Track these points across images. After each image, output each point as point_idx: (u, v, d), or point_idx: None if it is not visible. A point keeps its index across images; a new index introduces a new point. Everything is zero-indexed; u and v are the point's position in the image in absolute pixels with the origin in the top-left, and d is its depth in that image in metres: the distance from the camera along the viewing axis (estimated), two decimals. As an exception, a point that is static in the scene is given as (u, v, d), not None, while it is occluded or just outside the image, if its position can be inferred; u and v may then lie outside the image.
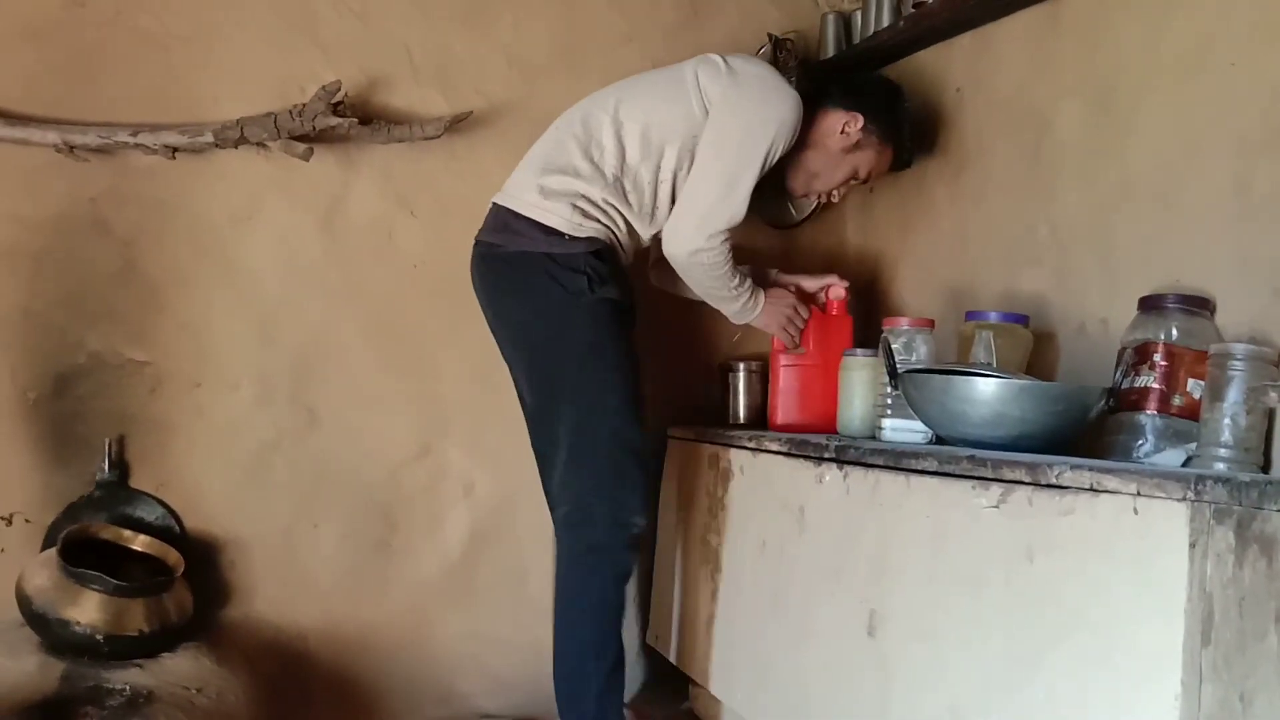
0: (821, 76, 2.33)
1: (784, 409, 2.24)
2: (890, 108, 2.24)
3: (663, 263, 2.16)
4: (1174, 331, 1.71)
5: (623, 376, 2.01)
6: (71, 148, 2.12)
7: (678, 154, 2.04)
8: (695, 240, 2.03)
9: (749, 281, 2.17)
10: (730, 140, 2.03)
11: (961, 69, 2.38)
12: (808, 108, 2.12)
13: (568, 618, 2.03)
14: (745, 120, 2.03)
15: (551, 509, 2.11)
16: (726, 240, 2.04)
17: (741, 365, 2.49)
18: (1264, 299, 1.67)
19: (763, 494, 2.06)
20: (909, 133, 2.27)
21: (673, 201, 2.07)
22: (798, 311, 2.22)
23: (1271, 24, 1.67)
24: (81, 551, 2.04)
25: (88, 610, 1.96)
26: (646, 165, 2.04)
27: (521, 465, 2.23)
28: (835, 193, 2.29)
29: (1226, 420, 1.59)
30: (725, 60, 2.08)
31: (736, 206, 2.03)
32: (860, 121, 2.18)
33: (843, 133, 2.18)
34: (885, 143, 2.22)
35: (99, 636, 1.95)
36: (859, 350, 2.12)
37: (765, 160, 2.04)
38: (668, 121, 2.04)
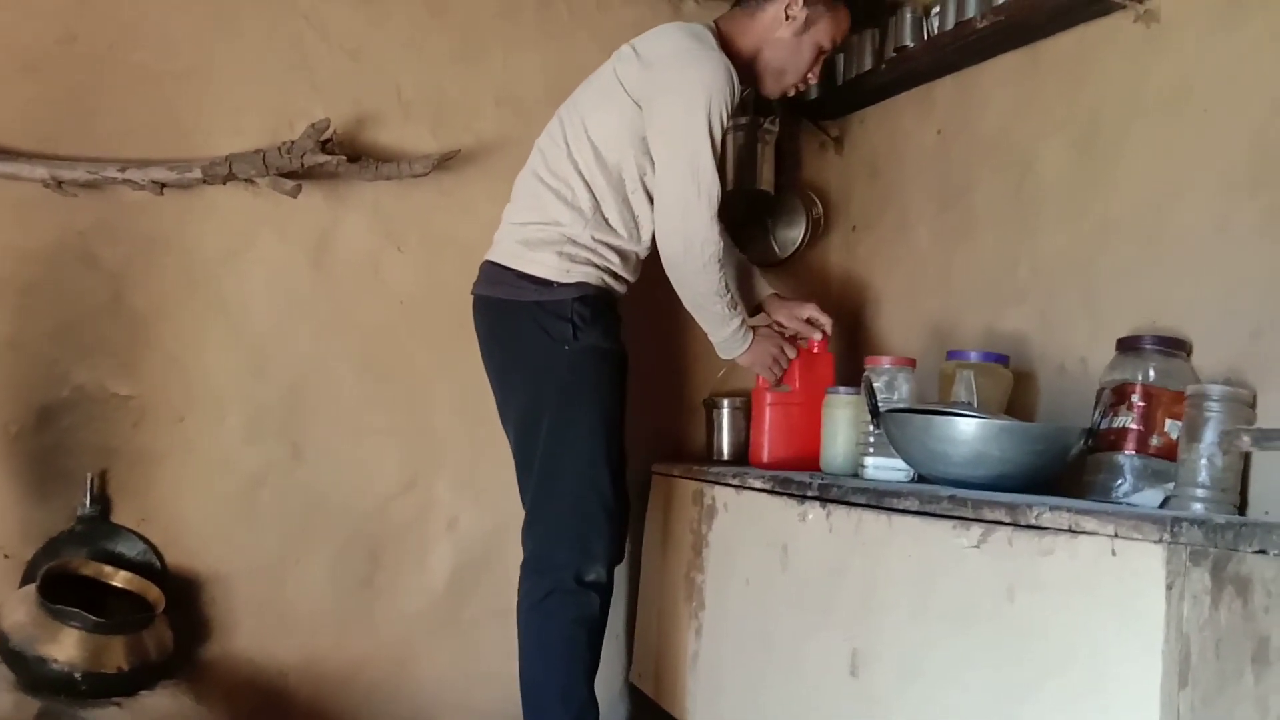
0: None
1: (768, 446, 2.24)
2: None
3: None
4: (1151, 372, 1.73)
5: (598, 425, 2.00)
6: (60, 183, 2.13)
7: (635, 159, 2.00)
8: (684, 227, 1.95)
9: (741, 307, 2.11)
10: (673, 125, 1.95)
11: (943, 111, 2.41)
12: (728, 25, 2.08)
13: (530, 664, 2.03)
14: (674, 99, 1.95)
15: None
16: (715, 221, 1.96)
17: (725, 401, 2.50)
18: (1241, 341, 1.69)
19: (746, 531, 2.07)
20: None
21: (645, 212, 2.05)
22: (784, 352, 2.19)
23: (1247, 69, 1.71)
24: (61, 587, 2.03)
25: (66, 647, 1.94)
26: (612, 186, 2.02)
27: (508, 500, 2.23)
28: (810, 76, 2.18)
29: (1203, 461, 1.61)
30: (634, 48, 2.03)
31: (709, 183, 1.95)
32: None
33: (788, 19, 2.08)
34: (835, 3, 2.12)
35: (77, 674, 1.93)
36: (842, 388, 2.13)
37: (715, 125, 1.94)
38: (611, 133, 2.00)
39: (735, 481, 2.12)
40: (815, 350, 2.27)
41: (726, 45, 2.06)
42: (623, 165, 2.02)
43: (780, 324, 2.25)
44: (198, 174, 2.19)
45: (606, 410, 2.03)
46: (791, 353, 2.21)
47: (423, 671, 2.41)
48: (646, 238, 2.07)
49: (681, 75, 1.96)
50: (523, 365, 2.04)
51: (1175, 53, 1.85)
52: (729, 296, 2.05)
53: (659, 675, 2.36)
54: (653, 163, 2.00)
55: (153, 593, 2.13)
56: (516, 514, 2.15)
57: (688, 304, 2.07)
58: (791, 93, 2.23)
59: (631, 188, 2.03)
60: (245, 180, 2.23)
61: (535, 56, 2.50)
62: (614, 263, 2.06)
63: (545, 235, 2.02)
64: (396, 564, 2.40)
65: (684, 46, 1.99)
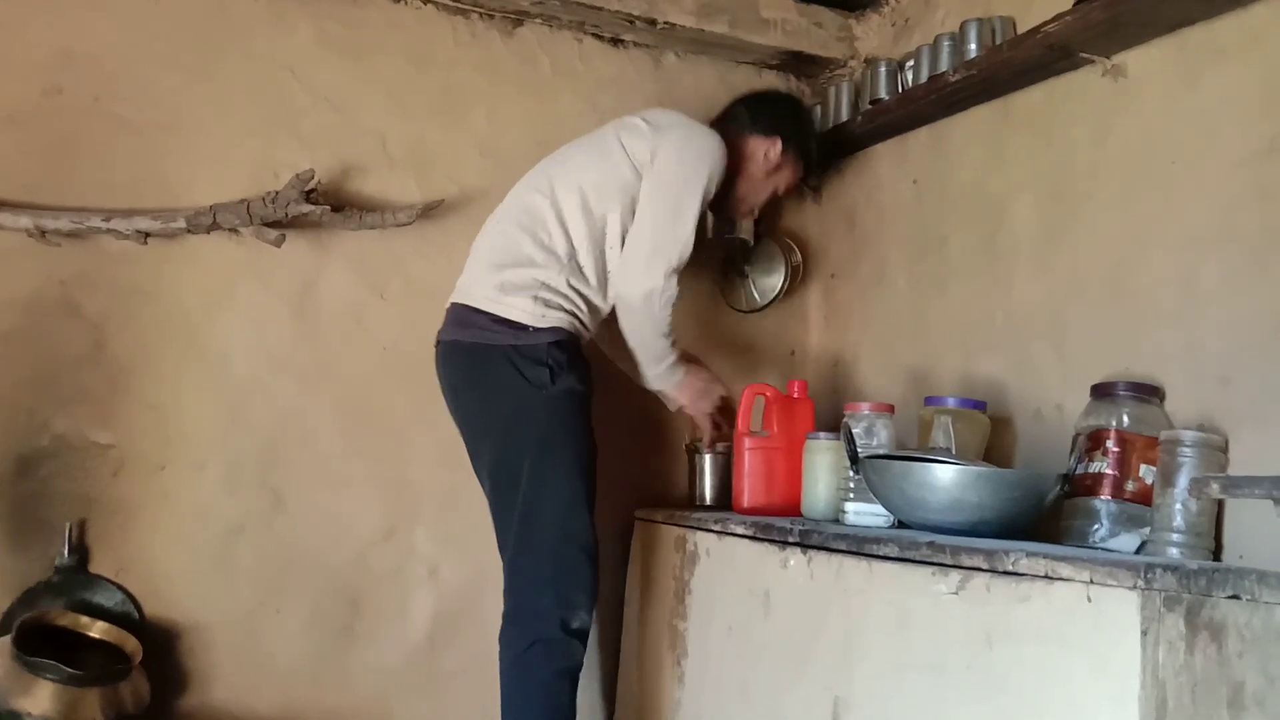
0: (734, 100, 2.41)
1: (748, 491, 2.25)
2: (799, 126, 2.36)
3: (609, 323, 2.18)
4: (1125, 418, 1.76)
5: (578, 471, 2.01)
6: (44, 232, 2.14)
7: (620, 219, 2.08)
8: (648, 278, 2.05)
9: (678, 344, 2.20)
10: (669, 182, 2.07)
11: (918, 162, 2.46)
12: (721, 129, 2.21)
13: (514, 714, 2.00)
14: (679, 163, 2.09)
15: None
16: (675, 277, 2.07)
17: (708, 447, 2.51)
18: (1211, 387, 1.73)
19: (728, 578, 2.07)
20: (816, 148, 2.41)
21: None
22: (711, 386, 2.28)
23: (1212, 124, 1.77)
24: (37, 639, 2.00)
25: (41, 700, 1.91)
26: (592, 238, 2.08)
27: (487, 549, 2.21)
28: (756, 210, 2.44)
29: (1178, 506, 1.63)
30: (644, 119, 2.15)
31: (684, 240, 2.06)
32: (779, 145, 2.29)
33: (765, 158, 2.29)
34: (799, 160, 2.36)
35: (51, 727, 1.91)
36: (822, 434, 2.14)
37: (704, 193, 2.09)
38: (602, 191, 2.08)
39: (717, 527, 2.13)
40: (796, 395, 2.29)
41: None
42: (607, 218, 2.08)
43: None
44: (182, 224, 2.20)
45: (584, 453, 2.04)
46: (722, 390, 2.29)
47: (403, 722, 2.39)
48: (604, 292, 2.13)
49: (688, 141, 2.12)
50: (498, 411, 2.04)
51: (1142, 107, 1.90)
52: (671, 337, 2.16)
53: (641, 724, 2.35)
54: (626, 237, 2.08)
55: (130, 644, 2.11)
56: (496, 563, 2.14)
57: (630, 338, 2.15)
58: (736, 218, 2.46)
59: (610, 243, 2.09)
60: (229, 230, 2.25)
61: (517, 109, 2.54)
62: (583, 310, 2.10)
63: (520, 278, 2.04)
64: (376, 614, 2.38)
65: (696, 124, 2.16)
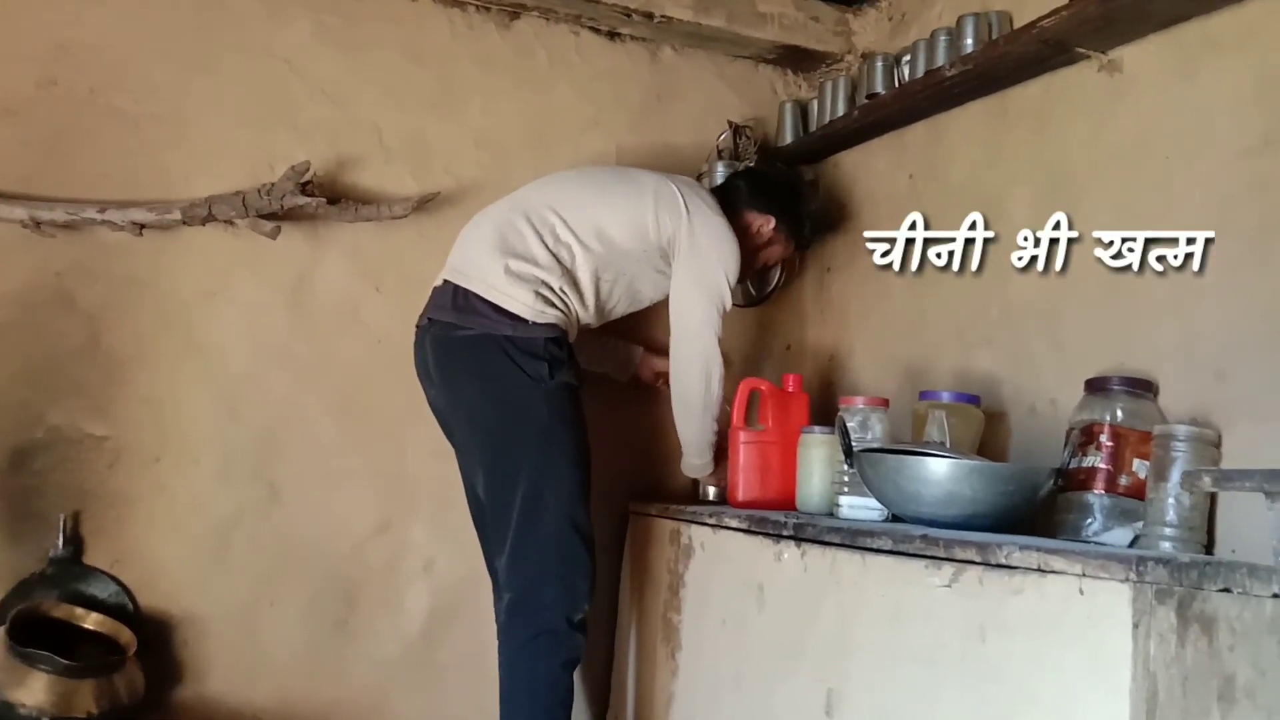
0: (735, 174, 2.50)
1: (743, 485, 2.26)
2: (795, 206, 2.42)
3: (589, 337, 2.23)
4: (1119, 413, 1.77)
5: (576, 462, 2.03)
6: (39, 223, 2.14)
7: (621, 267, 2.15)
8: (705, 366, 2.17)
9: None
10: (709, 278, 2.17)
11: (914, 156, 2.46)
12: (721, 203, 2.27)
13: (514, 707, 2.01)
14: (713, 258, 2.18)
15: (496, 593, 2.10)
16: (721, 361, 2.18)
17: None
18: (1206, 382, 1.73)
19: (723, 571, 2.07)
20: (810, 229, 2.49)
21: (607, 302, 2.18)
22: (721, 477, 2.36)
23: (1206, 118, 1.77)
24: (32, 630, 2.00)
25: (35, 692, 1.91)
26: (591, 268, 2.12)
27: (483, 542, 2.23)
28: (744, 281, 2.51)
29: (1171, 500, 1.63)
30: (683, 198, 2.18)
31: (720, 324, 2.19)
32: (772, 223, 2.36)
33: (757, 232, 2.36)
34: (790, 238, 2.43)
35: (45, 719, 1.90)
36: (817, 428, 2.15)
37: (732, 282, 2.21)
38: (621, 238, 2.14)
39: (711, 521, 2.13)
40: (791, 390, 2.30)
41: None
42: (614, 260, 2.14)
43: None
44: (177, 215, 2.20)
45: (583, 446, 2.05)
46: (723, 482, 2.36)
47: (398, 715, 2.38)
48: (590, 315, 2.17)
49: (722, 240, 2.20)
50: (497, 403, 2.04)
51: (1137, 102, 1.90)
52: (718, 432, 2.25)
53: (637, 718, 2.35)
54: (634, 275, 2.18)
55: (124, 635, 2.11)
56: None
57: (689, 438, 2.26)
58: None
59: (607, 280, 2.16)
60: (225, 222, 2.24)
61: (514, 102, 2.54)
62: (572, 316, 2.12)
63: (524, 271, 2.05)
64: (371, 607, 2.39)
65: (721, 219, 2.22)
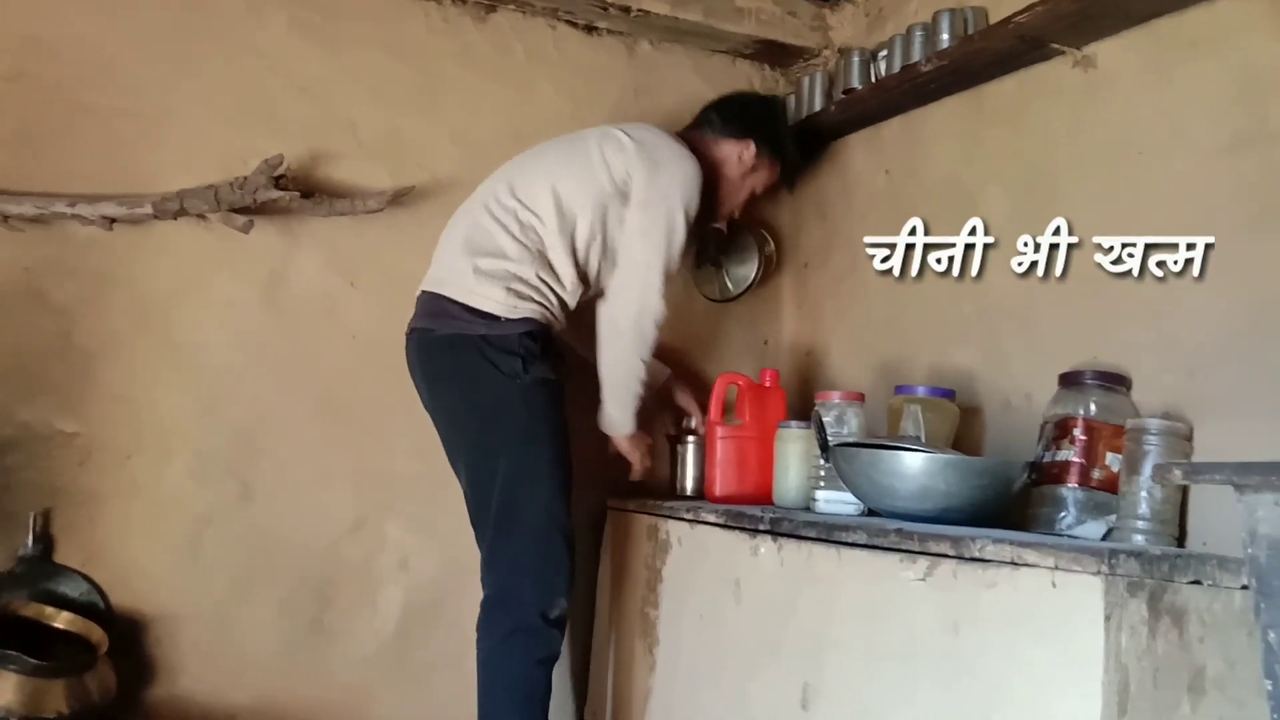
0: (705, 106, 2.41)
1: (721, 480, 2.26)
2: (771, 126, 2.37)
3: (576, 315, 2.19)
4: (1093, 407, 1.78)
5: (554, 459, 2.02)
6: (6, 218, 2.11)
7: (589, 225, 2.10)
8: (641, 300, 2.08)
9: (645, 393, 2.21)
10: (657, 206, 2.10)
11: (891, 152, 2.47)
12: (694, 137, 2.24)
13: (491, 703, 2.00)
14: (664, 185, 2.11)
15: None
16: (665, 297, 2.10)
17: (690, 437, 2.50)
18: (1178, 377, 1.74)
19: (700, 566, 2.07)
20: (793, 146, 2.42)
21: (587, 269, 2.12)
22: (645, 453, 2.32)
23: (1180, 115, 1.78)
24: (1, 630, 1.97)
25: (4, 692, 1.89)
26: (563, 238, 2.09)
27: (460, 540, 2.21)
28: (737, 211, 2.43)
29: (1143, 493, 1.65)
30: (628, 134, 2.15)
31: (675, 261, 2.12)
32: (752, 148, 2.31)
33: (739, 160, 2.31)
34: (775, 160, 2.37)
35: (14, 719, 1.88)
36: (793, 422, 2.15)
37: (688, 216, 2.13)
38: (577, 195, 2.09)
39: (689, 516, 2.13)
40: (769, 384, 2.30)
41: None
42: (577, 222, 2.09)
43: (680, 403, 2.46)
44: (148, 209, 2.18)
45: (560, 441, 2.05)
46: (648, 461, 2.33)
47: (376, 714, 2.37)
48: (577, 293, 2.13)
49: (673, 164, 2.13)
50: (475, 401, 2.04)
51: (1113, 99, 1.91)
52: (644, 382, 2.16)
53: (615, 714, 2.35)
54: (604, 230, 2.10)
55: (96, 634, 2.08)
56: (470, 554, 2.13)
57: (611, 373, 2.16)
58: (716, 221, 2.43)
59: (579, 245, 2.10)
60: (197, 216, 2.22)
61: (491, 96, 2.53)
62: (554, 304, 2.10)
63: (494, 268, 2.04)
64: (347, 605, 2.37)
65: (673, 144, 2.17)
